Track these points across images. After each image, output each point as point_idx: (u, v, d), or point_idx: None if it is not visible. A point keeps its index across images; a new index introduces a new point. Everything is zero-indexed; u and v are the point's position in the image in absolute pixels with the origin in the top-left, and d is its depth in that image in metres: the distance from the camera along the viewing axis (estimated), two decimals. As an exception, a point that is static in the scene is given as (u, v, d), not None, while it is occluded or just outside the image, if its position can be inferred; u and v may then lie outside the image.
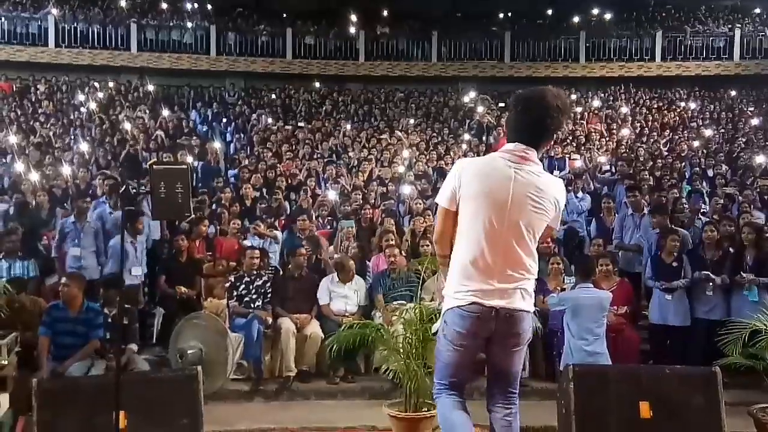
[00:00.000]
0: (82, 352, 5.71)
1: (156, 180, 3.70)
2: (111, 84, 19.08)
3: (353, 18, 21.77)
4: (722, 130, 16.61)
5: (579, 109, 18.03)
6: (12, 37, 19.81)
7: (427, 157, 12.85)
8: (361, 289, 7.14)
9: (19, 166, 10.57)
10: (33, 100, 17.27)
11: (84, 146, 12.65)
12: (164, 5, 21.92)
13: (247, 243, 7.96)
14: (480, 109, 16.64)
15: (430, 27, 21.95)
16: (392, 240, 7.55)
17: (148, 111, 16.32)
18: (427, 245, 7.11)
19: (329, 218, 9.30)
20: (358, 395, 6.46)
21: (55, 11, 20.22)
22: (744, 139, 15.32)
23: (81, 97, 17.25)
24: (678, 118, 17.73)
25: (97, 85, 18.61)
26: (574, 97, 19.35)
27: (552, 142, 3.18)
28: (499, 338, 2.99)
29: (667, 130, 16.49)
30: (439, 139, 15.12)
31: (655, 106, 19.17)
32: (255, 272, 7.09)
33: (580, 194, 9.95)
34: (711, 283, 6.76)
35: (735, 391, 5.53)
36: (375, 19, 22.26)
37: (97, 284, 6.51)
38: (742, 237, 7.05)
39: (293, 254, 7.28)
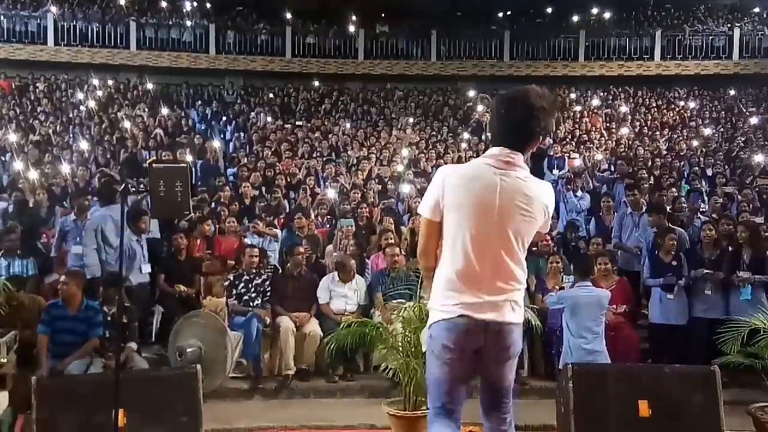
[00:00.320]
0: (81, 351, 5.69)
1: (155, 179, 3.70)
2: (110, 82, 19.08)
3: (353, 17, 21.76)
4: (721, 130, 16.64)
5: (578, 108, 18.06)
6: (11, 36, 19.80)
7: (427, 155, 12.86)
8: (361, 289, 7.14)
9: (18, 165, 10.57)
10: (32, 98, 17.27)
11: (83, 144, 12.66)
12: (163, 4, 21.88)
13: (247, 241, 7.96)
14: (479, 107, 16.66)
15: (430, 26, 21.95)
16: (392, 239, 7.55)
17: (147, 109, 16.34)
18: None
19: (328, 217, 9.30)
20: (358, 394, 6.46)
21: (54, 9, 20.20)
22: (743, 139, 15.34)
23: (80, 96, 17.27)
24: (677, 117, 17.76)
25: (96, 83, 18.60)
26: (573, 96, 19.40)
27: (537, 145, 3.06)
28: (489, 352, 2.86)
29: (667, 129, 16.51)
30: (439, 137, 15.13)
31: (655, 105, 19.19)
32: (254, 271, 7.09)
33: (579, 193, 9.97)
34: (709, 282, 6.78)
35: (734, 390, 5.56)
36: (374, 17, 22.26)
37: (97, 282, 6.51)
38: (737, 236, 7.07)
39: (292, 253, 7.28)
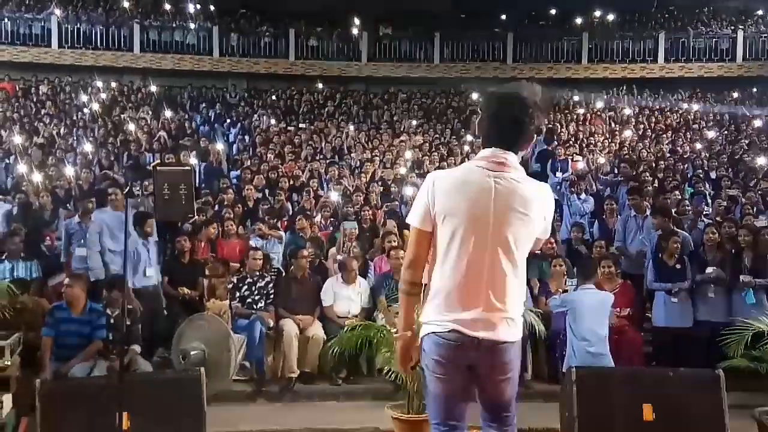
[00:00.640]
0: (85, 353, 5.71)
1: (159, 181, 3.70)
2: (114, 85, 19.09)
3: (356, 19, 21.78)
4: (725, 132, 16.59)
5: (581, 111, 18.04)
6: (15, 38, 19.81)
7: (430, 158, 12.85)
8: (364, 292, 7.14)
9: (22, 167, 10.56)
10: (36, 100, 17.29)
11: (87, 147, 12.67)
12: (167, 6, 21.91)
13: (251, 244, 7.97)
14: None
15: (433, 29, 21.95)
16: (395, 241, 7.55)
17: (150, 112, 16.34)
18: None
19: (332, 219, 9.30)
20: (361, 397, 6.45)
21: (58, 12, 20.22)
22: (747, 141, 15.29)
23: (84, 98, 17.26)
24: (681, 120, 17.72)
25: (99, 85, 18.62)
26: (576, 98, 19.37)
27: (530, 145, 2.92)
28: (485, 370, 2.71)
29: (670, 132, 16.48)
30: (442, 140, 15.12)
31: (658, 107, 19.15)
32: (258, 273, 7.09)
33: (582, 196, 9.95)
34: (713, 285, 6.77)
35: (738, 394, 5.52)
36: (377, 20, 22.28)
37: (101, 285, 6.51)
38: (739, 239, 7.06)
39: (296, 256, 7.27)
